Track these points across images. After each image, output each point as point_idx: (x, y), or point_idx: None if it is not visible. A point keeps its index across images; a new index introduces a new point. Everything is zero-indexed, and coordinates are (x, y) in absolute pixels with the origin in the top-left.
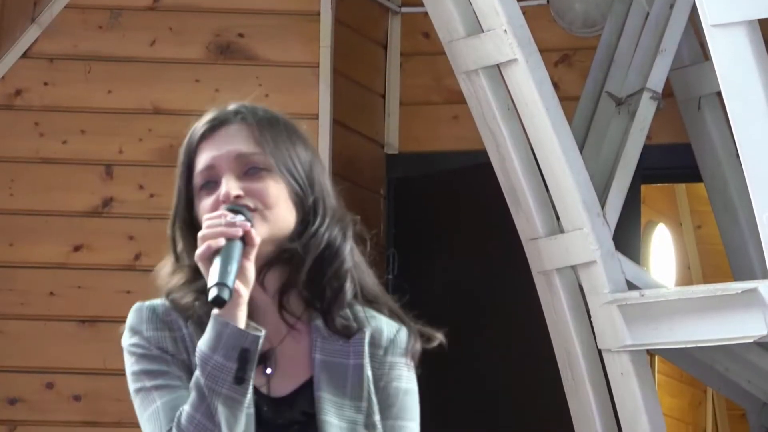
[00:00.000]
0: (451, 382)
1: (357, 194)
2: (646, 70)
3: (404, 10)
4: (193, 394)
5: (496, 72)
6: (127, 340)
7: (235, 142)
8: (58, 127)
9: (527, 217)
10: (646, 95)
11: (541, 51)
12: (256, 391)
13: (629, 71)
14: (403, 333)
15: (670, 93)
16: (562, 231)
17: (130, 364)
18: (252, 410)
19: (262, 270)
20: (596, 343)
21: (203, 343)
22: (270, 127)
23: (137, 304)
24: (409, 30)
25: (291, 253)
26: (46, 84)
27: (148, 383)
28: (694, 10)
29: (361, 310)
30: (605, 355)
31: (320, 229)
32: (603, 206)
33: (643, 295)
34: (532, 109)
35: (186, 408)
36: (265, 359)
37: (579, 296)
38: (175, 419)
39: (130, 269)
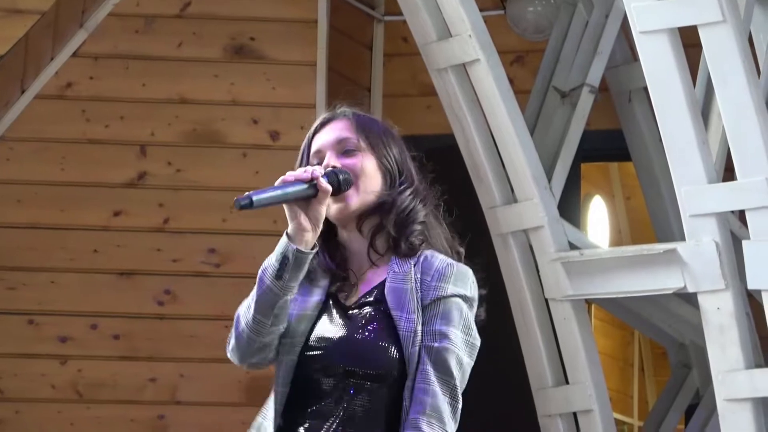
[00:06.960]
0: None
1: None
2: (586, 68)
3: (387, 18)
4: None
5: (462, 70)
6: None
7: (337, 131)
8: (101, 114)
9: (487, 189)
10: (585, 89)
11: (499, 52)
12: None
13: (572, 69)
14: (452, 268)
15: (605, 88)
16: (515, 201)
17: None
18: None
19: (360, 219)
20: (543, 293)
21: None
22: (365, 122)
23: None
24: (390, 35)
25: (384, 203)
26: (91, 78)
27: None
28: (625, 19)
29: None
30: (551, 303)
31: (405, 193)
32: (550, 180)
33: (582, 254)
34: (492, 100)
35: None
36: (348, 288)
37: (529, 255)
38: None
39: (160, 231)
